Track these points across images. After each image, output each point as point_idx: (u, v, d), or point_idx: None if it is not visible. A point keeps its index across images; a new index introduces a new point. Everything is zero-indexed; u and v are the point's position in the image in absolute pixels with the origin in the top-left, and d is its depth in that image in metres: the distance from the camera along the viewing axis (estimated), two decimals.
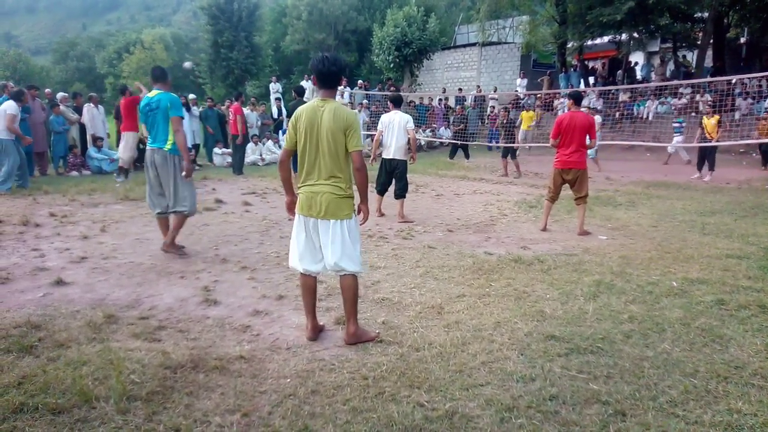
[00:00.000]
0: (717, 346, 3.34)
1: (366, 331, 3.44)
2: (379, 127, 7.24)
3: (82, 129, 12.35)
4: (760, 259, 5.23)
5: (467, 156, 15.22)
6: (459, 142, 15.22)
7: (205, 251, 5.51)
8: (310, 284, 3.44)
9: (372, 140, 16.81)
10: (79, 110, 12.42)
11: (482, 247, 5.86)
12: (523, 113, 15.63)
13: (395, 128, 7.03)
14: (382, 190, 7.46)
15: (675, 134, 14.03)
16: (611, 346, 3.32)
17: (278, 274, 4.76)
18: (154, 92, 5.19)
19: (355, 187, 3.36)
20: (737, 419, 2.54)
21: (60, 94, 12.84)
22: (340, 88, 15.93)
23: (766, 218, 7.34)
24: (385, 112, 7.69)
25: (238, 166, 11.95)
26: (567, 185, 6.63)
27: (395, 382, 2.86)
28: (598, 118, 13.38)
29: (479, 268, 4.96)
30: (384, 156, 7.25)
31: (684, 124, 14.12)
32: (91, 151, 12.02)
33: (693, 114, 16.99)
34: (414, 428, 2.45)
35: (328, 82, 3.26)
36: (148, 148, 5.27)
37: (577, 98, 6.76)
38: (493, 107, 19.49)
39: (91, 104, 12.33)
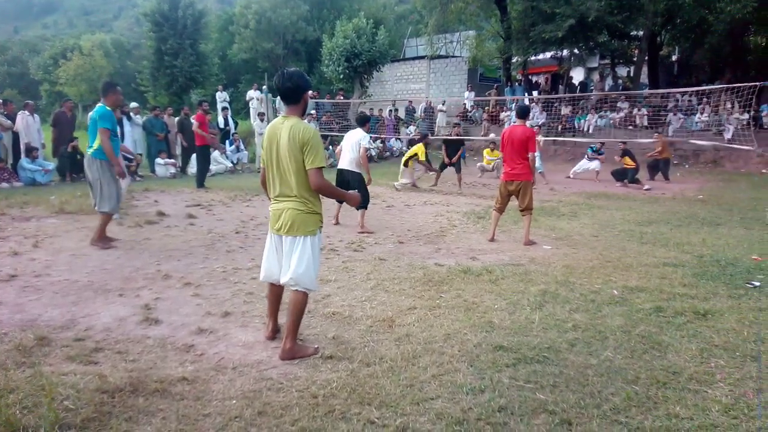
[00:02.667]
0: (656, 352, 3.47)
1: (304, 347, 3.39)
2: (341, 143, 7.66)
3: (15, 138, 11.68)
4: (694, 267, 5.50)
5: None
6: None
7: (146, 267, 5.29)
8: (277, 293, 3.56)
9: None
10: (11, 117, 11.75)
11: (433, 258, 5.90)
12: (486, 150, 14.66)
13: (349, 143, 7.38)
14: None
15: (588, 155, 14.47)
16: (557, 355, 3.39)
17: (224, 290, 4.62)
18: (98, 105, 6.02)
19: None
20: (675, 423, 2.63)
21: None
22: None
23: (699, 227, 7.76)
24: (337, 122, 7.98)
25: (201, 179, 11.19)
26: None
27: (345, 399, 2.81)
28: (539, 138, 13.81)
29: (429, 280, 4.98)
30: (339, 166, 7.51)
31: (597, 149, 14.49)
32: (24, 161, 11.36)
33: (630, 128, 17.84)
34: None
35: (286, 97, 3.26)
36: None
37: (519, 112, 6.97)
38: (458, 124, 19.72)
39: (26, 112, 11.70)
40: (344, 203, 7.43)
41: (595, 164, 14.05)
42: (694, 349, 3.51)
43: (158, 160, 13.52)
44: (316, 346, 3.44)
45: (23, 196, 9.05)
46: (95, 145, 5.87)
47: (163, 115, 14.61)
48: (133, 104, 14.23)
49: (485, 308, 4.24)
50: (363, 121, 7.64)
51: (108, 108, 5.96)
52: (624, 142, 13.46)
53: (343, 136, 8.28)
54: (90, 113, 6.05)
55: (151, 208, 8.42)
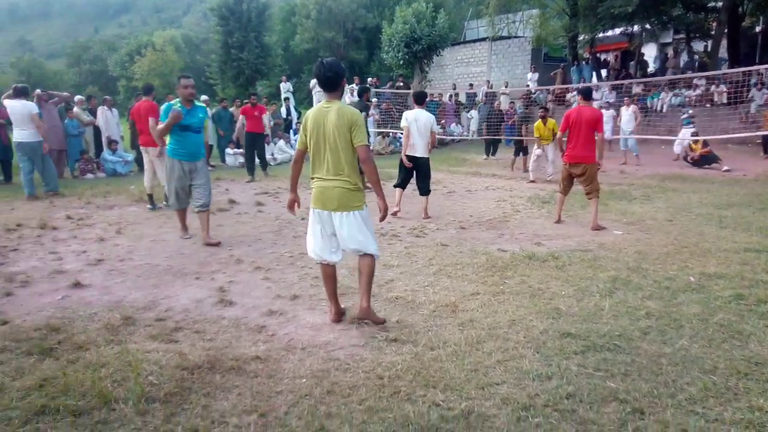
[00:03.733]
0: (736, 342, 3.30)
1: (374, 315, 3.64)
2: (403, 122, 7.22)
3: (97, 132, 12.49)
4: None
5: (494, 152, 15.24)
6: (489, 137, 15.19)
7: (220, 252, 5.55)
8: (329, 273, 3.66)
9: (382, 138, 16.95)
10: (93, 113, 12.56)
11: (496, 243, 5.84)
12: (538, 124, 13.55)
13: (421, 126, 7.06)
14: (402, 185, 7.45)
15: (685, 127, 13.36)
16: (628, 343, 3.29)
17: (292, 274, 4.78)
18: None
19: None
20: (759, 417, 2.50)
21: (77, 97, 12.97)
22: (353, 86, 15.90)
23: None
24: (397, 109, 7.81)
25: (248, 166, 11.23)
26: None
27: (410, 381, 2.86)
28: (633, 109, 13.08)
29: (493, 266, 4.94)
30: (408, 153, 7.20)
31: (693, 114, 13.52)
32: (106, 153, 12.15)
33: (708, 106, 16.74)
34: (430, 428, 2.45)
35: (328, 85, 3.47)
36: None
37: (585, 93, 6.76)
38: (513, 102, 19.32)
39: (105, 107, 12.46)
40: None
41: (689, 133, 12.92)
42: None
43: (228, 151, 14.06)
44: (383, 320, 3.66)
45: (106, 186, 9.69)
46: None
47: (231, 107, 15.13)
48: (204, 97, 14.82)
49: (551, 294, 4.17)
50: (422, 98, 7.40)
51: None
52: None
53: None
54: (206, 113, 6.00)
55: (223, 197, 8.79)
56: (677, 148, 13.47)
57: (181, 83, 5.72)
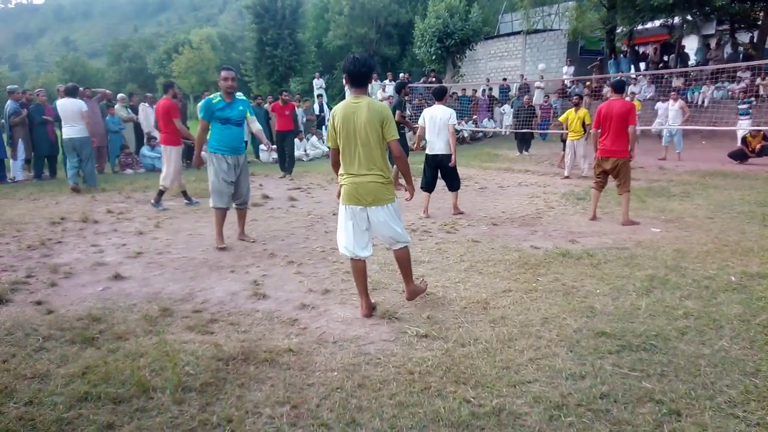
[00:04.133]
0: None
1: (418, 286, 3.95)
2: (420, 122, 7.08)
3: (137, 128, 12.84)
4: None
5: (527, 148, 15.02)
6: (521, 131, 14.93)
7: (254, 246, 5.65)
8: (360, 268, 3.72)
9: (413, 133, 16.89)
10: (135, 109, 12.92)
11: (528, 240, 5.77)
12: (569, 112, 13.06)
13: (437, 123, 6.77)
14: (428, 188, 7.18)
15: (742, 117, 12.93)
16: (665, 344, 3.21)
17: (324, 269, 4.83)
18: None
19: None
20: None
21: (119, 95, 13.37)
22: (385, 82, 15.87)
23: None
24: (429, 104, 7.66)
25: (280, 163, 11.27)
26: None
27: (441, 377, 2.86)
28: (679, 103, 12.68)
29: (525, 263, 4.88)
30: (427, 152, 7.07)
31: (754, 104, 13.01)
32: (145, 149, 12.48)
33: (753, 100, 16.11)
34: (461, 424, 2.45)
35: (358, 81, 3.51)
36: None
37: (616, 86, 6.58)
38: (548, 96, 19.03)
39: (146, 104, 12.80)
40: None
41: (747, 123, 12.62)
42: None
43: (261, 147, 14.24)
44: (426, 283, 4.07)
45: (145, 181, 9.96)
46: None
47: (264, 104, 15.32)
48: (239, 94, 15.00)
49: (586, 293, 4.10)
50: (441, 94, 7.03)
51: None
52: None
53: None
54: (241, 106, 5.72)
55: (257, 192, 8.93)
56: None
57: (222, 75, 5.55)
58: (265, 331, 3.49)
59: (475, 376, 2.86)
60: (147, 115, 12.68)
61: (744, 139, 12.22)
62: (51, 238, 5.95)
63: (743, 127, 12.59)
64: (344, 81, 3.82)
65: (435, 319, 3.65)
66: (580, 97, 11.04)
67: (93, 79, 48.22)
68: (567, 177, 10.50)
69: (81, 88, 11.19)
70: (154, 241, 5.88)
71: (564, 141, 12.24)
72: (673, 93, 13.43)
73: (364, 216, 3.59)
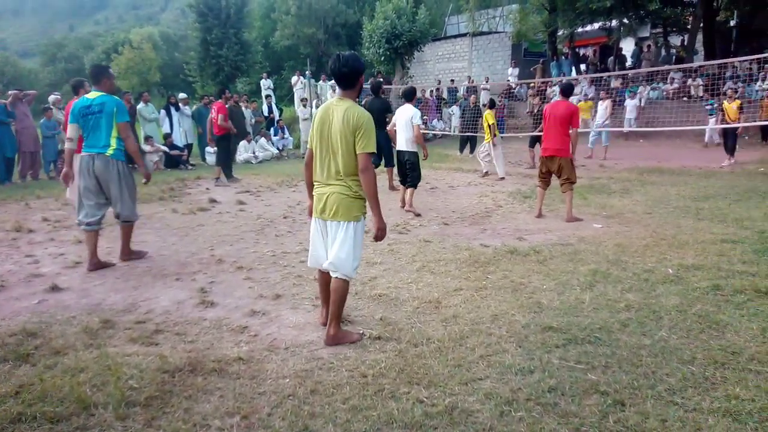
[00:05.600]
0: (714, 332, 3.35)
1: (348, 333, 3.39)
2: (393, 119, 7.73)
3: None
4: (754, 243, 5.25)
5: (471, 149, 15.20)
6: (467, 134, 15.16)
7: (201, 252, 5.49)
8: (326, 278, 3.43)
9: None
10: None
11: (478, 239, 5.86)
12: (581, 104, 14.36)
13: (401, 121, 7.34)
14: (402, 181, 7.67)
15: (710, 117, 13.79)
16: (609, 336, 3.33)
17: (274, 273, 4.75)
18: (95, 94, 4.91)
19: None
20: (735, 405, 2.55)
21: (52, 96, 12.62)
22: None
23: (760, 202, 7.37)
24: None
25: (224, 169, 10.39)
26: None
27: (394, 378, 2.86)
28: (607, 103, 13.51)
29: (475, 261, 4.96)
30: (396, 148, 7.63)
31: (716, 105, 13.67)
32: None
33: (685, 99, 17.01)
34: (414, 425, 2.45)
35: (342, 82, 3.23)
36: (83, 154, 4.94)
37: (563, 90, 6.87)
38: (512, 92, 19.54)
39: None
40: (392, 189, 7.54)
41: (713, 121, 13.46)
42: (755, 328, 3.37)
43: (208, 149, 13.88)
44: (361, 332, 3.44)
45: None
46: (113, 143, 4.90)
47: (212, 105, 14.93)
48: (182, 95, 14.59)
49: (533, 289, 4.20)
50: (410, 95, 7.51)
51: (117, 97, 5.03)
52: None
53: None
54: (87, 104, 4.86)
55: (203, 196, 8.70)
56: (708, 137, 14.46)
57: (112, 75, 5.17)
58: (214, 340, 3.39)
59: (428, 375, 2.88)
60: None
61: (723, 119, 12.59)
62: None
63: (711, 125, 13.56)
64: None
65: (388, 320, 3.65)
66: (493, 102, 11.48)
67: (26, 80, 45.73)
68: (486, 174, 10.89)
69: (13, 90, 10.60)
70: None
71: (535, 139, 12.50)
72: (603, 93, 14.17)
73: (326, 229, 3.30)
